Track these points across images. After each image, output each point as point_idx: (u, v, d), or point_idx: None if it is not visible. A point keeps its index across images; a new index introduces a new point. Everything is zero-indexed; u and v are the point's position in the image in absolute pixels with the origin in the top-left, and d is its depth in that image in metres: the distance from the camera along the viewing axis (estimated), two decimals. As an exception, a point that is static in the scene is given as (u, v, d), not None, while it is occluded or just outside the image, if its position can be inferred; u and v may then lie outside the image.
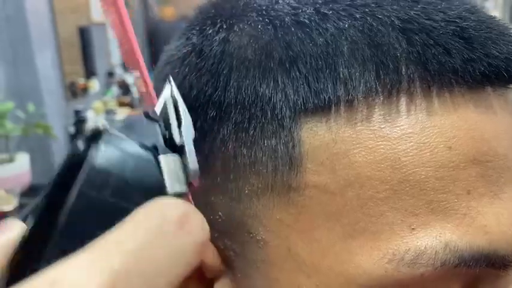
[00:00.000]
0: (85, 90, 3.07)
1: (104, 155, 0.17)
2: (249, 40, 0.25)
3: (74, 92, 2.91)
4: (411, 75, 0.23)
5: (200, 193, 0.24)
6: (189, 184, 0.19)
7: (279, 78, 0.24)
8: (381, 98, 0.23)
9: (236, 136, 0.24)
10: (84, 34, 3.24)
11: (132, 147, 0.19)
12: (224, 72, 0.25)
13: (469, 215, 0.22)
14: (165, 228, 0.16)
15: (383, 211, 0.22)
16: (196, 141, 0.26)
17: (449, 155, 0.22)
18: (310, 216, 0.23)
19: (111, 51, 3.76)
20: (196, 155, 0.26)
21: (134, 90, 3.72)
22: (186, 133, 0.19)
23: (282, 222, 0.24)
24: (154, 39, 4.55)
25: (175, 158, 0.19)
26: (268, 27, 0.25)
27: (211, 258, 0.26)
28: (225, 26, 0.26)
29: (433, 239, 0.22)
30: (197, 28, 0.28)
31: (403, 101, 0.23)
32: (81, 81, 3.04)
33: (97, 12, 3.39)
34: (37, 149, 2.23)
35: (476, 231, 0.22)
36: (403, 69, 0.23)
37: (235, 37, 0.25)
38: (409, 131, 0.22)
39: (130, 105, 3.52)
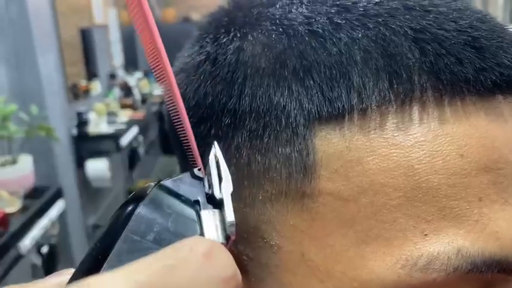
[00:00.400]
0: (87, 92, 3.07)
1: (151, 206, 0.20)
2: (263, 49, 0.25)
3: (76, 93, 2.91)
4: (424, 85, 0.23)
5: None
6: (227, 237, 0.20)
7: (293, 86, 0.24)
8: (394, 107, 0.23)
9: (250, 143, 0.25)
10: (85, 36, 3.25)
11: (176, 201, 0.21)
12: (239, 80, 0.25)
13: (481, 221, 0.23)
14: (191, 258, 0.16)
15: (396, 217, 0.23)
16: (210, 149, 0.27)
17: (461, 162, 0.23)
18: (323, 222, 0.24)
19: (112, 53, 3.77)
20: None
21: (136, 92, 3.73)
22: (225, 189, 0.21)
23: (295, 228, 0.24)
24: (155, 41, 4.55)
25: (216, 212, 0.21)
26: (282, 36, 0.25)
27: None
28: (238, 35, 0.27)
29: (445, 245, 0.22)
30: (211, 36, 0.28)
31: (415, 109, 0.23)
32: (83, 83, 3.05)
33: (99, 14, 3.40)
34: (40, 151, 2.24)
35: (488, 238, 0.23)
36: (416, 79, 0.23)
37: (249, 46, 0.26)
38: (422, 139, 0.23)
39: (132, 107, 3.53)
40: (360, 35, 0.24)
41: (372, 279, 0.23)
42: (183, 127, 0.22)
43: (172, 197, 0.21)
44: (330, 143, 0.23)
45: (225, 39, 0.27)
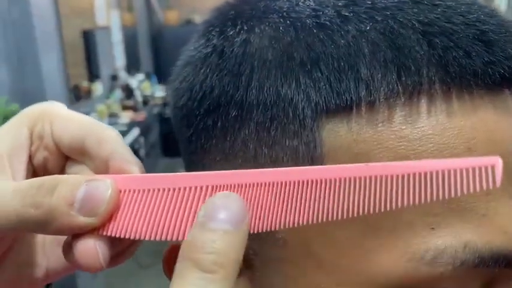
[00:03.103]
0: (88, 93, 3.08)
1: None
2: (270, 41, 0.25)
3: (78, 95, 2.92)
4: (432, 77, 0.23)
5: None
6: None
7: (300, 78, 0.24)
8: (402, 99, 0.23)
9: (257, 136, 0.25)
10: (88, 37, 3.26)
11: None
12: (246, 72, 0.25)
13: (488, 215, 0.23)
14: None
15: (403, 211, 0.23)
16: (217, 141, 0.27)
17: (468, 156, 0.23)
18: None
19: (114, 55, 3.77)
20: (217, 155, 0.27)
21: (137, 94, 3.74)
22: None
23: None
24: (158, 43, 4.57)
25: None
26: (290, 28, 0.25)
27: None
28: (245, 28, 0.27)
29: (452, 239, 0.22)
30: (217, 29, 0.28)
31: (423, 102, 0.23)
32: (84, 84, 3.05)
33: (101, 16, 3.40)
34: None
35: (495, 231, 0.23)
36: (424, 71, 0.23)
37: (256, 38, 0.26)
38: (430, 132, 0.23)
39: (134, 108, 3.53)
40: (368, 28, 0.24)
41: (379, 272, 0.23)
42: None
43: None
44: (337, 136, 0.23)
45: (231, 32, 0.27)
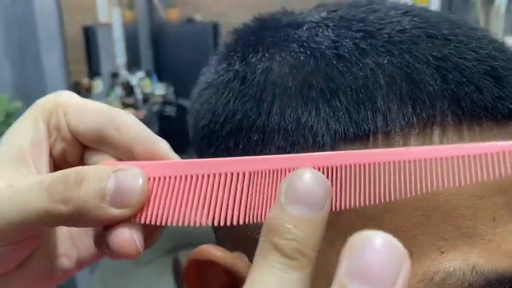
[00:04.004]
0: (89, 90, 3.08)
1: None
2: (291, 70, 0.27)
3: (78, 91, 2.90)
4: (445, 111, 0.24)
5: None
6: None
7: (320, 107, 0.25)
8: (416, 130, 0.24)
9: None
10: (89, 34, 3.25)
11: None
12: (268, 99, 0.27)
13: (495, 240, 0.24)
14: None
15: (415, 234, 0.24)
16: None
17: (478, 185, 0.24)
18: (346, 240, 0.25)
19: (115, 52, 3.77)
20: None
21: (137, 92, 3.74)
22: None
23: None
24: (159, 41, 4.57)
25: None
26: (310, 58, 0.27)
27: None
28: (267, 55, 0.28)
29: (461, 262, 0.24)
30: (239, 55, 0.30)
31: (436, 133, 0.24)
32: (85, 81, 3.05)
33: (103, 13, 3.40)
34: (42, 148, 2.24)
35: (501, 256, 0.24)
36: (438, 105, 0.24)
37: (277, 66, 0.27)
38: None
39: (134, 106, 3.54)
40: (385, 61, 0.25)
41: None
42: None
43: None
44: None
45: (253, 59, 0.28)
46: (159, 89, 4.20)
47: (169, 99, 4.13)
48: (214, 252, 0.28)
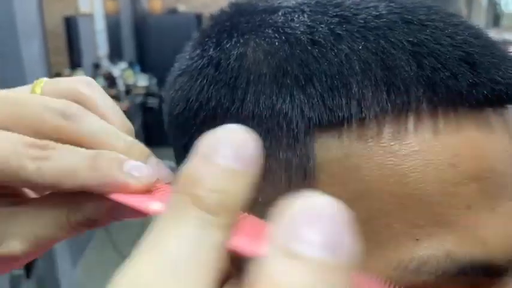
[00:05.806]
0: (70, 81, 3.04)
1: None
2: (266, 56, 0.26)
3: (59, 83, 2.88)
4: (420, 97, 0.24)
5: None
6: None
7: (295, 94, 0.25)
8: (391, 117, 0.24)
9: None
10: (70, 24, 3.21)
11: None
12: (242, 86, 0.26)
13: (469, 227, 0.24)
14: None
15: (390, 222, 0.24)
16: None
17: (452, 172, 0.24)
18: None
19: (97, 43, 3.73)
20: None
21: (120, 83, 3.70)
22: None
23: None
24: (141, 32, 4.53)
25: None
26: (284, 44, 0.26)
27: None
28: (241, 41, 0.27)
29: (435, 250, 0.24)
30: (213, 40, 0.29)
31: (411, 120, 0.24)
32: (66, 72, 3.01)
33: (84, 3, 3.36)
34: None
35: (475, 243, 0.24)
36: (413, 91, 0.24)
37: (252, 52, 0.27)
38: (416, 148, 0.24)
39: (117, 97, 3.50)
40: (360, 47, 0.25)
41: None
42: None
43: None
44: (329, 149, 0.24)
45: (228, 44, 0.28)
46: (142, 80, 4.16)
47: (152, 90, 4.11)
48: None
